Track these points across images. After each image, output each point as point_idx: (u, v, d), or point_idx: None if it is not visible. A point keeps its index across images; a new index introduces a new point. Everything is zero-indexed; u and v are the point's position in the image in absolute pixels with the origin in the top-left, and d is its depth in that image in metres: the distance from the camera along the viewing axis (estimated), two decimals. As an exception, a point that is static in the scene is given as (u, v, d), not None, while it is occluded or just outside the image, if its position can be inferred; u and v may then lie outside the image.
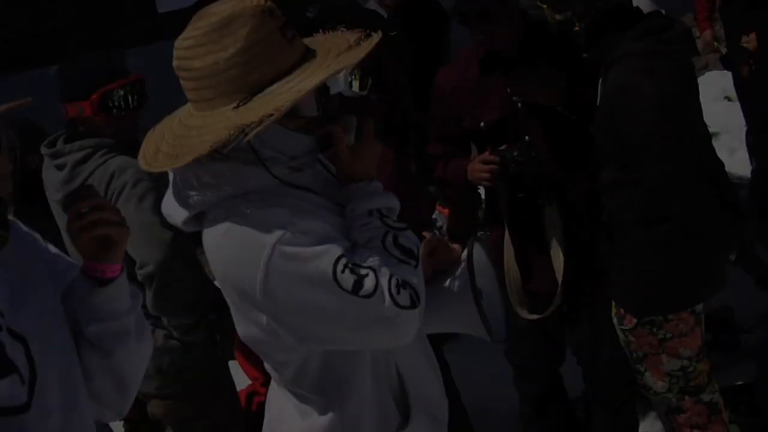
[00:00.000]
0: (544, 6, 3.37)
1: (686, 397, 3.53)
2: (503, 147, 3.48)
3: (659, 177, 3.24)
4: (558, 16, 3.31)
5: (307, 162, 2.22)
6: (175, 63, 2.13)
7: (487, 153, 3.53)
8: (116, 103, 3.44)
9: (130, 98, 3.46)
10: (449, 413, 2.55)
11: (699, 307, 3.47)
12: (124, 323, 2.02)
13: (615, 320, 3.53)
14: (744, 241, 5.17)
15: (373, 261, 2.09)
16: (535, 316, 3.73)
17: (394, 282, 2.08)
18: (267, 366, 2.39)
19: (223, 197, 2.13)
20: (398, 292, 2.07)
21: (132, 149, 3.50)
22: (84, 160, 3.42)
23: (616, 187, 3.37)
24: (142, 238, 3.29)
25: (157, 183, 3.35)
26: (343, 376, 2.27)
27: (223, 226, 2.11)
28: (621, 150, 3.28)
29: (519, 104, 3.51)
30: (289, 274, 2.07)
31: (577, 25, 3.29)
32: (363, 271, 2.07)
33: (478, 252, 2.56)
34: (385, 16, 5.94)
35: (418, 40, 5.73)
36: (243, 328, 2.26)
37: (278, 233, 2.06)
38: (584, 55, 3.40)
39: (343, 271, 2.05)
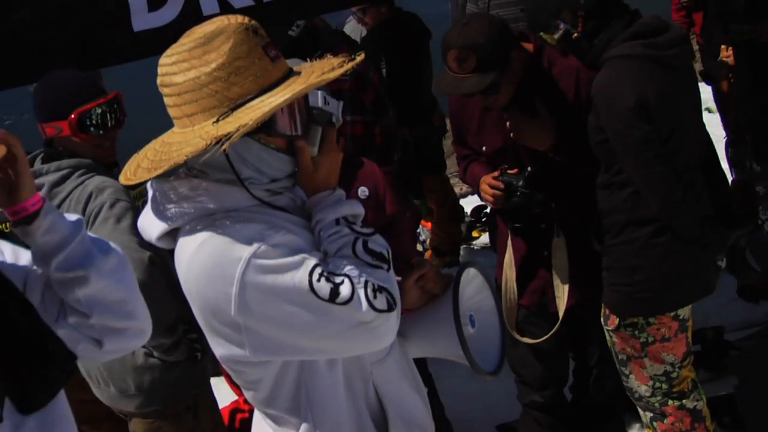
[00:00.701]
0: (542, 34, 3.44)
1: (670, 402, 3.55)
2: (512, 171, 3.53)
3: (636, 177, 3.28)
4: (556, 36, 3.36)
5: (287, 187, 2.24)
6: (158, 79, 2.14)
7: (496, 174, 3.56)
8: (95, 122, 3.41)
9: (108, 117, 3.44)
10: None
11: (684, 314, 3.49)
12: (80, 245, 2.02)
13: (602, 320, 3.57)
14: (734, 249, 5.16)
15: (346, 268, 2.12)
16: (528, 341, 3.74)
17: (370, 287, 2.11)
18: (241, 386, 2.37)
19: (200, 212, 2.14)
20: (375, 297, 2.10)
21: (111, 169, 3.49)
22: (62, 181, 3.39)
23: (606, 188, 3.42)
24: None
25: (136, 204, 3.35)
26: (316, 395, 2.26)
27: (197, 239, 2.12)
28: (607, 150, 3.33)
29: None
30: (264, 287, 2.07)
31: (574, 33, 3.34)
32: (338, 279, 2.09)
33: (473, 280, 2.54)
34: (365, 32, 5.97)
35: (399, 56, 5.75)
36: (216, 347, 2.25)
37: (252, 247, 2.07)
38: (586, 59, 3.45)
39: (318, 280, 2.07)
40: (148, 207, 2.26)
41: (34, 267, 2.06)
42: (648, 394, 3.57)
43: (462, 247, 6.66)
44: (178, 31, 3.57)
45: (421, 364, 3.91)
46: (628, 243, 3.39)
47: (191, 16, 3.58)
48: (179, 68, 2.10)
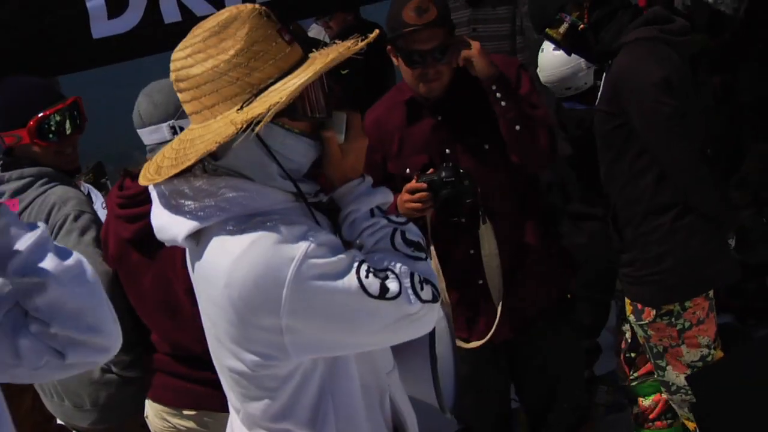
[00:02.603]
0: (547, 30, 3.48)
1: None
2: (428, 172, 3.38)
3: (663, 156, 3.29)
4: (561, 30, 3.41)
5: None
6: (172, 75, 2.08)
7: (413, 181, 3.39)
8: (53, 129, 3.34)
9: (68, 123, 3.36)
10: None
11: (711, 292, 3.51)
12: (37, 250, 1.94)
13: (632, 318, 3.55)
14: (743, 229, 5.13)
15: (390, 262, 2.09)
16: (474, 344, 3.60)
17: (417, 279, 2.09)
18: (238, 405, 2.26)
19: (236, 210, 2.06)
20: (422, 288, 2.09)
21: (73, 176, 3.44)
22: (23, 189, 3.33)
23: (620, 179, 3.42)
24: None
25: (99, 216, 3.30)
26: (341, 403, 2.20)
27: (244, 241, 2.03)
28: (627, 134, 3.34)
29: (447, 150, 3.43)
30: (316, 287, 2.02)
31: (580, 24, 3.39)
32: (384, 274, 2.07)
33: (439, 318, 2.46)
34: (329, 39, 5.95)
35: (362, 63, 5.71)
36: (230, 358, 2.16)
37: (303, 247, 2.01)
38: (592, 51, 3.48)
39: (367, 277, 2.04)
40: (158, 207, 2.16)
41: None
42: (687, 383, 3.56)
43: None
44: (138, 38, 3.59)
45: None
46: (652, 231, 3.40)
47: (152, 24, 3.53)
48: (195, 60, 2.04)
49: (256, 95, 2.02)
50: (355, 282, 2.03)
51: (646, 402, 3.97)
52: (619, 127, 3.35)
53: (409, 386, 2.42)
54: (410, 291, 2.07)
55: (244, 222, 2.05)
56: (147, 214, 2.26)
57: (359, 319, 2.06)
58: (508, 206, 3.51)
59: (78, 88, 3.56)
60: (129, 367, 3.34)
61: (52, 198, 3.29)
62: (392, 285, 2.06)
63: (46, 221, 3.25)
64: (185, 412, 3.21)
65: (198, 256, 2.12)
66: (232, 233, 2.05)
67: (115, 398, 3.40)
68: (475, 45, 3.38)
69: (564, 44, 3.51)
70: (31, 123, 3.31)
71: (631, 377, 3.96)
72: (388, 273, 2.07)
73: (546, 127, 3.46)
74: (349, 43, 2.12)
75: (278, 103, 1.96)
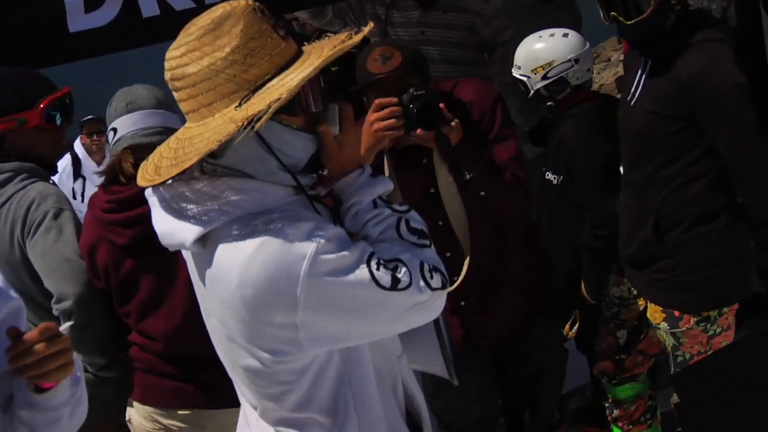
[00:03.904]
0: None
1: None
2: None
3: (744, 159, 3.25)
4: None
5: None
6: (167, 74, 2.09)
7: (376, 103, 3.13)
8: (60, 114, 3.33)
9: (69, 109, 3.38)
10: None
11: None
12: (59, 413, 1.97)
13: (665, 325, 3.51)
14: None
15: (398, 252, 2.13)
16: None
17: (426, 268, 2.13)
18: (255, 402, 2.26)
19: (239, 211, 2.07)
20: (432, 277, 2.13)
21: (51, 174, 3.43)
22: (2, 184, 3.29)
23: (670, 183, 3.36)
24: (60, 271, 3.19)
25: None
26: (359, 390, 2.22)
27: (254, 241, 2.04)
28: (690, 137, 3.29)
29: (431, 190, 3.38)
30: (329, 282, 2.05)
31: (677, 3, 3.34)
32: (394, 265, 2.10)
33: None
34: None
35: (340, 64, 5.65)
36: (245, 357, 2.16)
37: (314, 243, 2.04)
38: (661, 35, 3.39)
39: (378, 269, 2.07)
40: (160, 213, 2.16)
41: None
42: None
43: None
44: (116, 32, 3.53)
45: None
46: (703, 236, 3.37)
47: (129, 18, 3.48)
48: (190, 58, 2.05)
49: (254, 92, 2.03)
50: (367, 275, 2.06)
51: (626, 406, 3.96)
52: (681, 130, 3.28)
53: (417, 358, 2.45)
54: (420, 280, 2.11)
55: (250, 222, 2.06)
56: (145, 217, 2.25)
57: (371, 310, 2.09)
58: (489, 227, 3.48)
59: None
60: (104, 368, 3.31)
61: (32, 193, 3.26)
62: (403, 276, 2.09)
63: (25, 217, 3.22)
64: (180, 412, 3.20)
65: (205, 259, 2.12)
66: (240, 234, 2.06)
67: (91, 398, 3.33)
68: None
69: (654, 5, 3.34)
70: (42, 104, 3.29)
71: (617, 379, 3.95)
72: (398, 264, 2.09)
73: (516, 182, 3.38)
74: (342, 36, 2.13)
75: (279, 99, 1.96)
